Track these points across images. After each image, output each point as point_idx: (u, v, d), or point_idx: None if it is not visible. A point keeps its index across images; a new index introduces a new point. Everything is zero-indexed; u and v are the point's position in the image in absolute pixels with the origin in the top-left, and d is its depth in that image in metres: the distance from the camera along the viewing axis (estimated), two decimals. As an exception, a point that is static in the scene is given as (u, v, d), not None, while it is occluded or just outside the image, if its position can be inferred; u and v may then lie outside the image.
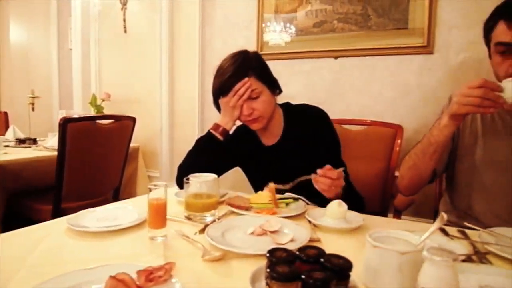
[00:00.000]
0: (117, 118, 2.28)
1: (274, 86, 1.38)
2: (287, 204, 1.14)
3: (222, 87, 1.31)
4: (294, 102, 1.49)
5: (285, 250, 0.64)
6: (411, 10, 2.16)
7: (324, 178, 1.09)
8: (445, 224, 1.26)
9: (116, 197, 2.45)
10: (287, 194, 1.23)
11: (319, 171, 1.10)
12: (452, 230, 0.97)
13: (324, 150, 1.36)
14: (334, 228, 0.94)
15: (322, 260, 0.60)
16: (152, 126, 3.14)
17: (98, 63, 3.45)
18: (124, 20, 3.21)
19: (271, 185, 1.17)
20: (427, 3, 2.10)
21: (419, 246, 0.61)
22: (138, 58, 3.21)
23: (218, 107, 1.39)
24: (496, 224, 1.05)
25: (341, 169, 1.11)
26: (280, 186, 1.23)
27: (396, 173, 1.92)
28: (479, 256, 0.80)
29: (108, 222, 0.97)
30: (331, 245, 0.86)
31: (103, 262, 0.72)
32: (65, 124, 1.93)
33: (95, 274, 0.65)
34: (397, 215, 1.56)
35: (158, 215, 0.87)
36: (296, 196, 1.22)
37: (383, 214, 1.82)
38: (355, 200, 1.42)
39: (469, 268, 0.70)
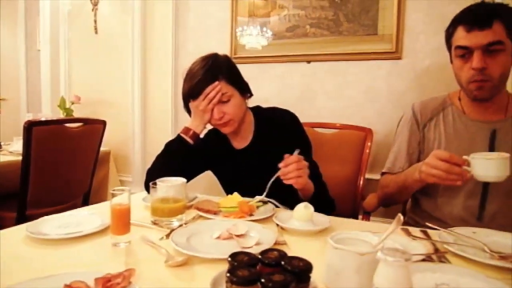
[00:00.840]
0: (86, 121, 2.22)
1: (244, 90, 1.38)
2: (256, 207, 1.14)
3: (192, 91, 1.30)
4: (267, 105, 1.49)
5: (247, 253, 0.64)
6: (380, 17, 2.22)
7: (288, 167, 1.11)
8: (410, 224, 1.31)
9: (86, 203, 2.38)
10: (257, 197, 1.23)
11: (280, 164, 1.12)
12: (414, 231, 1.00)
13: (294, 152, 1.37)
14: (300, 230, 0.95)
15: (282, 263, 0.60)
16: (124, 129, 3.07)
17: (67, 64, 3.35)
18: (95, 21, 3.14)
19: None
20: (395, 10, 2.16)
21: (378, 247, 0.62)
22: (109, 60, 3.14)
23: (189, 111, 1.38)
24: (459, 226, 1.09)
25: (296, 151, 1.14)
26: (254, 201, 1.21)
27: (367, 176, 1.97)
28: (438, 255, 0.82)
29: (69, 229, 0.94)
30: (297, 247, 0.87)
31: (62, 270, 0.69)
32: (30, 127, 1.86)
33: (50, 283, 0.63)
34: (366, 216, 1.59)
35: (121, 221, 0.85)
36: (266, 199, 1.22)
37: (354, 215, 1.85)
38: (326, 202, 1.44)
39: (428, 268, 0.72)
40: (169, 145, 1.37)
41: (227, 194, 1.37)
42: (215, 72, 1.29)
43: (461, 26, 1.18)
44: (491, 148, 1.21)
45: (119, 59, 3.08)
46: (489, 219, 1.21)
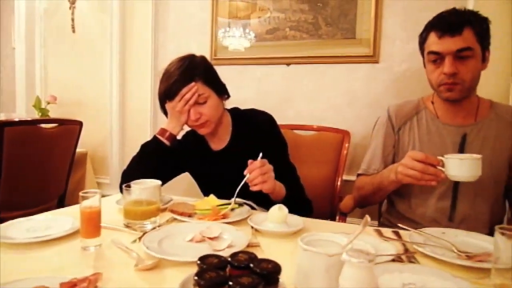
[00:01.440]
0: (61, 122, 2.16)
1: (221, 91, 1.37)
2: (232, 209, 1.14)
3: (168, 92, 1.29)
4: (246, 107, 1.49)
5: (217, 256, 0.64)
6: (358, 21, 2.25)
7: (252, 173, 1.11)
8: (386, 225, 1.34)
9: (61, 206, 2.32)
10: (233, 200, 1.22)
11: (245, 171, 1.12)
12: (386, 232, 1.02)
13: (271, 154, 1.38)
14: (274, 232, 0.95)
15: (251, 265, 0.60)
16: (102, 130, 3.01)
17: (43, 63, 3.26)
18: (73, 20, 3.07)
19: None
20: (372, 15, 2.20)
21: (346, 248, 0.63)
22: (87, 59, 3.08)
23: (165, 112, 1.37)
24: (431, 227, 1.12)
25: (259, 156, 1.14)
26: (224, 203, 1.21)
27: (345, 177, 1.99)
28: (408, 256, 0.84)
29: (38, 233, 0.91)
30: (270, 249, 0.87)
31: (29, 275, 0.67)
32: (2, 128, 1.80)
33: (12, 289, 0.61)
34: (343, 217, 1.61)
35: (91, 224, 0.83)
36: (242, 200, 1.22)
37: (332, 216, 1.87)
38: (303, 203, 1.45)
39: (396, 268, 0.74)
40: (145, 147, 1.35)
41: (205, 196, 1.36)
42: (192, 73, 1.28)
43: (433, 32, 1.21)
44: (461, 151, 1.24)
45: (97, 59, 3.03)
46: (460, 220, 1.25)
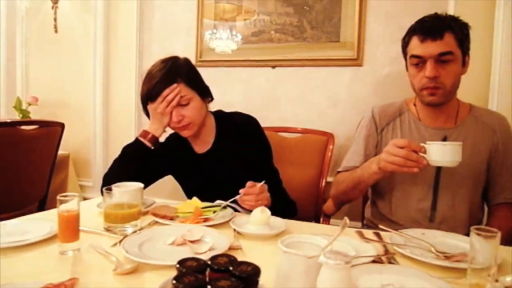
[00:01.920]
0: (42, 123, 2.12)
1: (205, 93, 1.37)
2: (214, 212, 1.13)
3: (150, 93, 1.28)
4: (231, 109, 1.49)
5: (196, 259, 0.63)
6: (342, 25, 2.28)
7: (248, 196, 1.12)
8: (369, 227, 1.35)
9: (42, 209, 2.27)
10: (217, 202, 1.22)
11: (241, 191, 1.13)
12: (368, 233, 1.02)
13: (255, 157, 1.38)
14: (256, 234, 0.95)
15: (231, 268, 0.59)
16: (85, 132, 2.97)
17: (25, 64, 3.20)
18: (55, 20, 3.02)
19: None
20: (356, 19, 2.23)
21: (325, 250, 0.63)
22: (70, 60, 3.03)
23: (148, 114, 1.36)
24: (413, 227, 1.13)
25: (262, 182, 1.15)
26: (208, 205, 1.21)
27: (329, 179, 2.01)
28: (387, 257, 0.85)
29: (14, 237, 0.88)
30: (252, 252, 0.87)
31: (4, 281, 0.65)
32: (-21, 129, 1.76)
33: (-16, 296, 0.59)
34: (327, 219, 1.62)
35: (69, 228, 0.82)
36: (225, 203, 1.21)
37: (317, 218, 1.88)
38: (287, 206, 1.45)
39: (376, 269, 0.75)
40: (127, 149, 1.33)
41: (189, 199, 1.35)
42: (174, 74, 1.27)
43: (415, 36, 1.23)
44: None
45: (80, 59, 2.98)
46: (440, 221, 1.27)
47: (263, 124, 1.46)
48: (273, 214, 1.10)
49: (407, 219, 1.30)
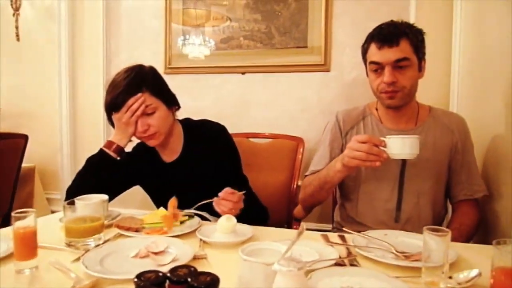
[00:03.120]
0: (4, 135, 2.05)
1: (171, 102, 1.36)
2: (181, 222, 1.12)
3: (114, 103, 1.26)
4: (203, 115, 1.49)
5: (155, 272, 0.63)
6: (309, 31, 2.32)
7: (225, 201, 1.12)
8: (338, 230, 1.37)
9: (5, 225, 2.18)
10: (185, 211, 1.21)
11: (220, 194, 1.13)
12: (333, 236, 1.04)
13: (224, 165, 1.38)
14: (221, 243, 0.95)
15: (189, 279, 0.59)
16: (51, 143, 2.87)
17: (-15, 74, 3.07)
18: (17, 27, 2.92)
19: (173, 200, 1.15)
20: (323, 24, 2.28)
21: (284, 257, 0.64)
22: (33, 69, 2.93)
23: (113, 123, 1.33)
24: (379, 229, 1.16)
25: (242, 193, 1.16)
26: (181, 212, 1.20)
27: (300, 183, 2.03)
28: (350, 259, 0.87)
29: (-32, 257, 0.85)
30: (217, 260, 0.86)
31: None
32: None
33: None
34: (298, 223, 1.63)
35: (26, 245, 0.79)
36: (194, 211, 1.20)
37: (289, 223, 1.90)
38: (258, 212, 1.46)
39: (337, 272, 0.76)
40: (91, 161, 1.31)
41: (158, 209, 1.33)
42: (139, 83, 1.26)
43: (373, 43, 1.28)
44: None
45: (44, 68, 2.89)
46: (405, 221, 1.31)
47: (234, 130, 1.46)
48: (244, 220, 1.10)
49: (373, 220, 1.34)
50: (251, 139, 2.11)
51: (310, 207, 1.49)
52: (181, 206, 1.23)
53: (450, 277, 0.75)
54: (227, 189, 1.15)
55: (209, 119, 1.48)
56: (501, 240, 0.67)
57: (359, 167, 1.29)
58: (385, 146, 1.09)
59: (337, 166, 1.22)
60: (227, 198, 1.13)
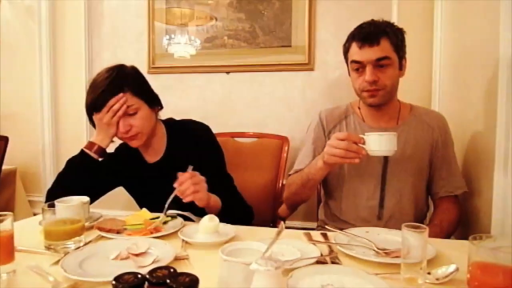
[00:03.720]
0: (-18, 138, 2.00)
1: (153, 102, 1.34)
2: (164, 222, 1.11)
3: (95, 103, 1.24)
4: (188, 115, 1.48)
5: (134, 274, 0.62)
6: (293, 30, 2.33)
7: (183, 185, 1.10)
8: (323, 228, 1.38)
9: (-15, 229, 2.13)
10: (168, 212, 1.20)
11: (175, 184, 1.11)
12: (316, 234, 1.05)
13: (208, 165, 1.37)
14: (204, 243, 0.94)
15: (168, 281, 0.59)
16: (33, 144, 2.81)
17: (-37, 74, 2.99)
18: (-4, 27, 2.86)
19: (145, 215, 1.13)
20: (306, 24, 2.29)
21: (264, 256, 0.64)
22: (13, 69, 2.86)
23: (94, 124, 1.31)
24: (363, 226, 1.18)
25: (190, 168, 1.14)
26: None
27: (284, 182, 2.04)
28: (331, 257, 0.87)
29: None
30: (198, 261, 0.86)
31: None
32: None
33: None
34: (282, 222, 1.64)
35: (2, 249, 0.77)
36: (177, 212, 1.20)
37: (274, 222, 1.90)
38: (242, 211, 1.45)
39: (318, 270, 0.76)
40: (71, 162, 1.29)
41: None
42: (120, 83, 1.24)
43: (354, 42, 1.29)
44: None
45: (24, 69, 2.83)
46: (388, 218, 1.33)
47: (219, 129, 1.46)
48: (228, 220, 1.10)
49: (357, 218, 1.35)
50: (236, 139, 2.10)
51: (295, 205, 1.49)
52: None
53: (429, 273, 0.76)
54: (179, 176, 1.12)
55: (194, 119, 1.47)
56: (477, 236, 0.69)
57: (340, 165, 1.30)
58: (364, 143, 1.11)
59: (318, 164, 1.23)
60: (182, 181, 1.10)
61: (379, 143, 1.10)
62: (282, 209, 1.60)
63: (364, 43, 1.24)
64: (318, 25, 2.29)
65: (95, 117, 1.26)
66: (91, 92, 1.25)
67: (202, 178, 1.14)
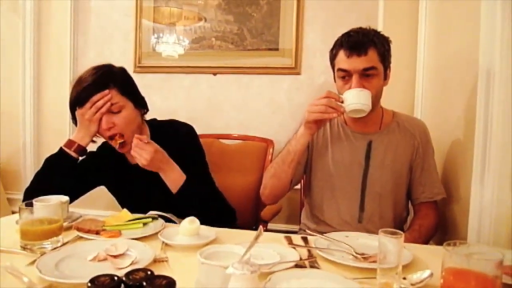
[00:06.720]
0: (-40, 133, 1.94)
1: (139, 104, 1.33)
2: (144, 224, 1.10)
3: (78, 97, 1.23)
4: (175, 115, 1.48)
5: (110, 276, 0.62)
6: (281, 34, 2.35)
7: (134, 148, 1.16)
8: (304, 231, 1.39)
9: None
10: (150, 213, 1.19)
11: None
12: (296, 238, 1.06)
13: (190, 166, 1.36)
14: (184, 245, 0.94)
15: (144, 283, 0.59)
16: (14, 141, 2.76)
17: None
18: (-23, 21, 2.79)
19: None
20: (294, 28, 2.31)
21: (242, 260, 0.64)
22: (-6, 64, 2.81)
23: (76, 122, 1.29)
24: (343, 229, 1.19)
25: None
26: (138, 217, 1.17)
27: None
28: (310, 261, 0.88)
29: None
30: (178, 263, 0.86)
31: None
32: None
33: None
34: (265, 225, 1.64)
35: (-26, 249, 0.75)
36: (158, 213, 1.19)
37: (257, 225, 1.90)
38: (224, 213, 1.45)
39: (296, 274, 0.77)
40: (49, 160, 1.26)
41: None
42: (106, 79, 1.23)
43: (342, 50, 1.29)
44: (367, 156, 1.35)
45: (7, 64, 2.77)
46: (367, 221, 1.34)
47: (204, 131, 1.45)
48: (210, 221, 1.09)
49: (338, 220, 1.36)
50: (221, 140, 2.10)
51: (273, 196, 1.43)
52: (147, 207, 1.21)
53: (405, 278, 0.77)
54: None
55: (180, 119, 1.46)
56: (452, 242, 0.70)
57: (319, 125, 1.30)
58: (342, 102, 1.19)
59: (299, 131, 1.28)
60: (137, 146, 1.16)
61: (357, 97, 1.18)
62: (265, 212, 1.61)
63: (352, 52, 1.25)
64: (306, 29, 2.32)
65: (78, 112, 1.24)
66: (76, 86, 1.24)
67: (148, 140, 1.19)
